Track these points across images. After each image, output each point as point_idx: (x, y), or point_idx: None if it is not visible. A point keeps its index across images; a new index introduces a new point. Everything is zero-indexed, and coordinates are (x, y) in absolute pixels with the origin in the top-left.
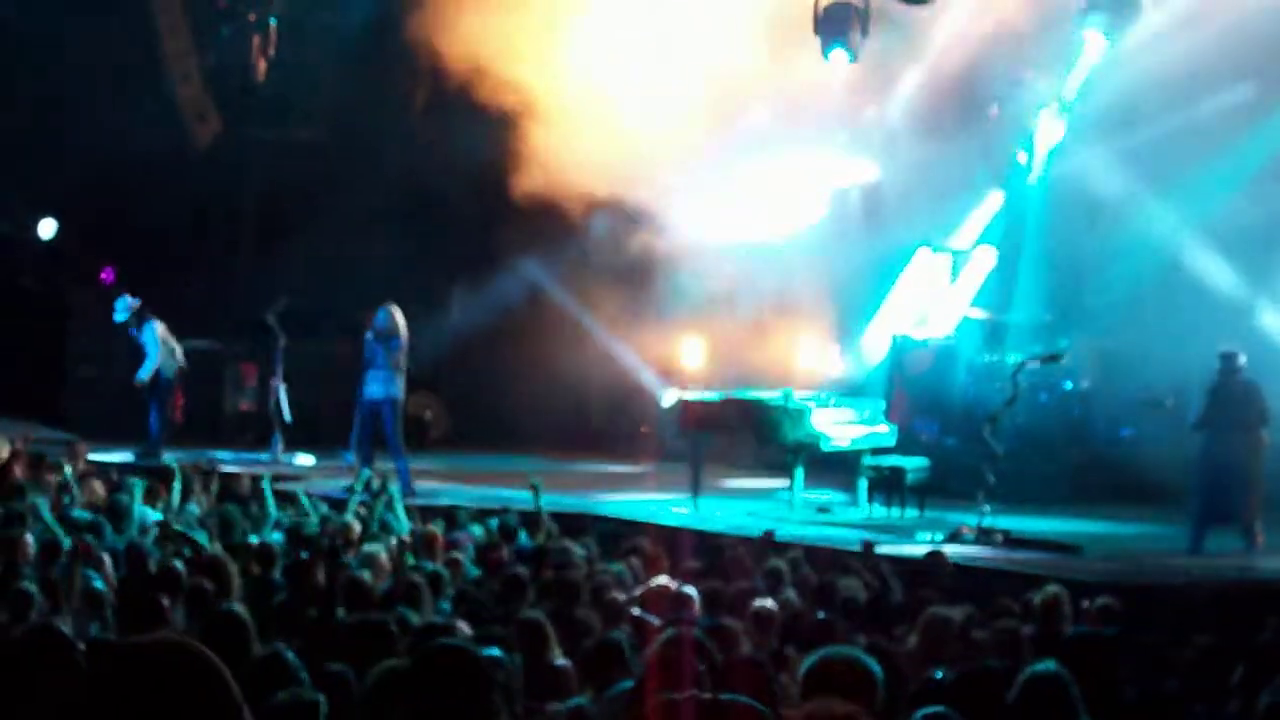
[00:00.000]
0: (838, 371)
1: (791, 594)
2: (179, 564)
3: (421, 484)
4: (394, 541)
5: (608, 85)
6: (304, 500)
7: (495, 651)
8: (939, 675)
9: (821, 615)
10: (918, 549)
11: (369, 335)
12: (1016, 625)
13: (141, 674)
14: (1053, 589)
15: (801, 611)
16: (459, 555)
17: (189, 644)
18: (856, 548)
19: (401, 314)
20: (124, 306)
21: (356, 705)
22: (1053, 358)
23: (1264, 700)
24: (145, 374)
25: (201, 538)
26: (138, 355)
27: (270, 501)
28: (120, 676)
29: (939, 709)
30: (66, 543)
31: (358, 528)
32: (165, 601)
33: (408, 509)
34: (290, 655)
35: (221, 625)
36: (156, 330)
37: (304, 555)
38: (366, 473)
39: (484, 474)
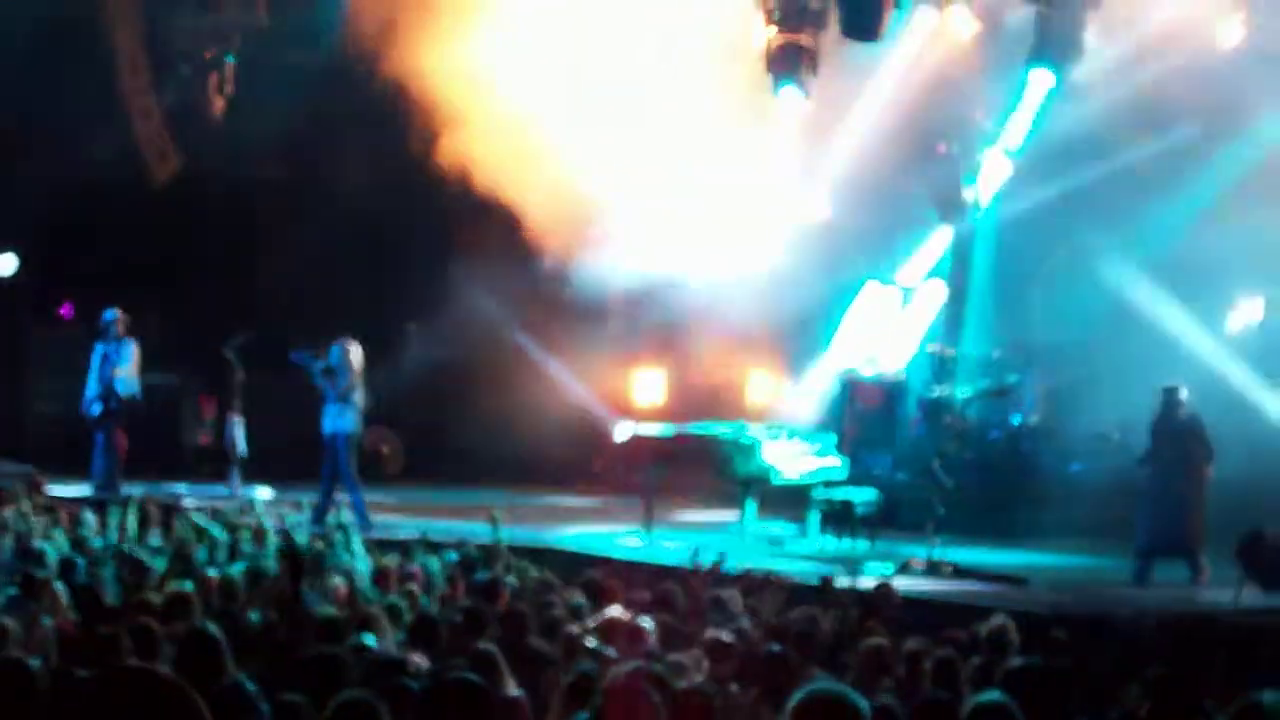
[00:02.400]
0: (789, 405)
1: (745, 624)
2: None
3: (378, 517)
4: (350, 574)
5: (561, 122)
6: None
7: (472, 676)
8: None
9: (776, 648)
10: (867, 581)
11: (321, 370)
12: (954, 655)
13: (109, 704)
14: (999, 620)
15: (755, 643)
16: (414, 587)
17: (156, 672)
18: (815, 582)
19: (358, 349)
20: (112, 316)
21: None
22: (1001, 392)
23: None
24: (130, 385)
25: (159, 567)
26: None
27: (214, 529)
28: (87, 708)
29: None
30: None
31: (310, 559)
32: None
33: (364, 542)
34: (249, 686)
35: (196, 645)
36: (134, 352)
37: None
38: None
39: (439, 507)
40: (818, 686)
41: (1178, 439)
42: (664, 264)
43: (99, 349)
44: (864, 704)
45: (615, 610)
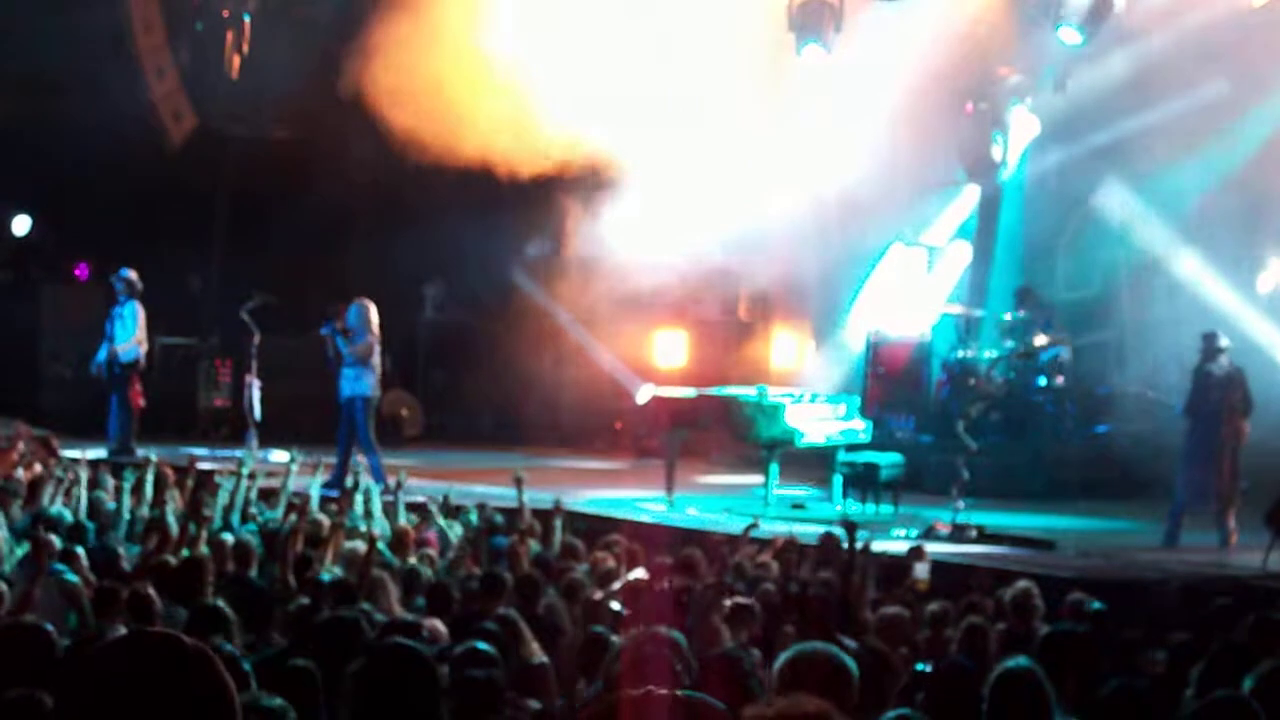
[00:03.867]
0: (813, 367)
1: (770, 588)
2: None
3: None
4: (367, 538)
5: (586, 79)
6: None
7: (484, 646)
8: (923, 668)
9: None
10: (896, 545)
11: (339, 332)
12: (983, 622)
13: (128, 668)
14: (1024, 584)
15: (778, 607)
16: (431, 552)
17: (176, 636)
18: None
19: (375, 310)
20: (124, 274)
21: (327, 702)
22: (1027, 354)
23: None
24: (129, 354)
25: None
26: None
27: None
28: (105, 672)
29: (905, 711)
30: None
31: (327, 524)
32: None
33: (383, 506)
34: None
35: (202, 620)
36: (139, 313)
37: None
38: (365, 476)
39: (459, 470)
40: (805, 646)
41: (1218, 388)
42: (687, 225)
43: (113, 310)
44: (852, 663)
45: (639, 573)
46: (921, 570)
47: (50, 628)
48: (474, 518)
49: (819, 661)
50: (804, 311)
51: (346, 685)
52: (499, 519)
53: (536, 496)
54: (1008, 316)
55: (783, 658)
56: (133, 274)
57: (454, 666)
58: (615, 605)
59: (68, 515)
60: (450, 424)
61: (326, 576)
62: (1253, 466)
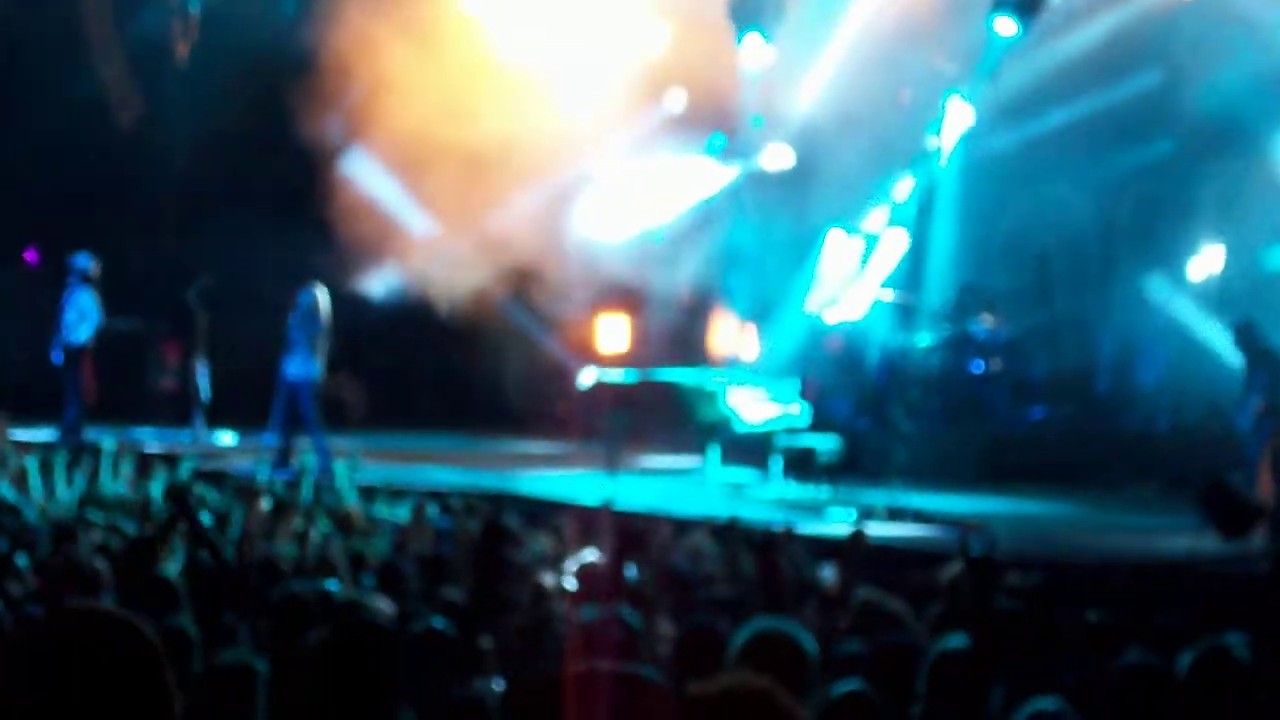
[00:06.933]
0: (752, 353)
1: (717, 570)
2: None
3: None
4: (318, 519)
5: (529, 73)
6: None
7: (439, 623)
8: (852, 648)
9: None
10: (835, 529)
11: (291, 316)
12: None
13: (63, 646)
14: (958, 566)
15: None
16: (378, 533)
17: (111, 612)
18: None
19: (326, 294)
20: (86, 260)
21: (277, 678)
22: (962, 341)
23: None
24: (85, 335)
25: (126, 522)
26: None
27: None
28: (43, 649)
29: (856, 684)
30: None
31: (266, 506)
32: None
33: (328, 488)
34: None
35: (151, 591)
36: (86, 299)
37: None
38: (310, 458)
39: (402, 454)
40: (763, 625)
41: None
42: (629, 212)
43: (69, 294)
44: (811, 643)
45: (590, 555)
46: (828, 574)
47: None
48: (418, 501)
49: (777, 640)
50: (744, 296)
51: (304, 658)
52: (446, 502)
53: (477, 479)
54: (944, 304)
55: (741, 635)
56: (87, 258)
57: (410, 645)
58: (565, 585)
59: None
60: (393, 408)
61: (282, 554)
62: (1183, 454)
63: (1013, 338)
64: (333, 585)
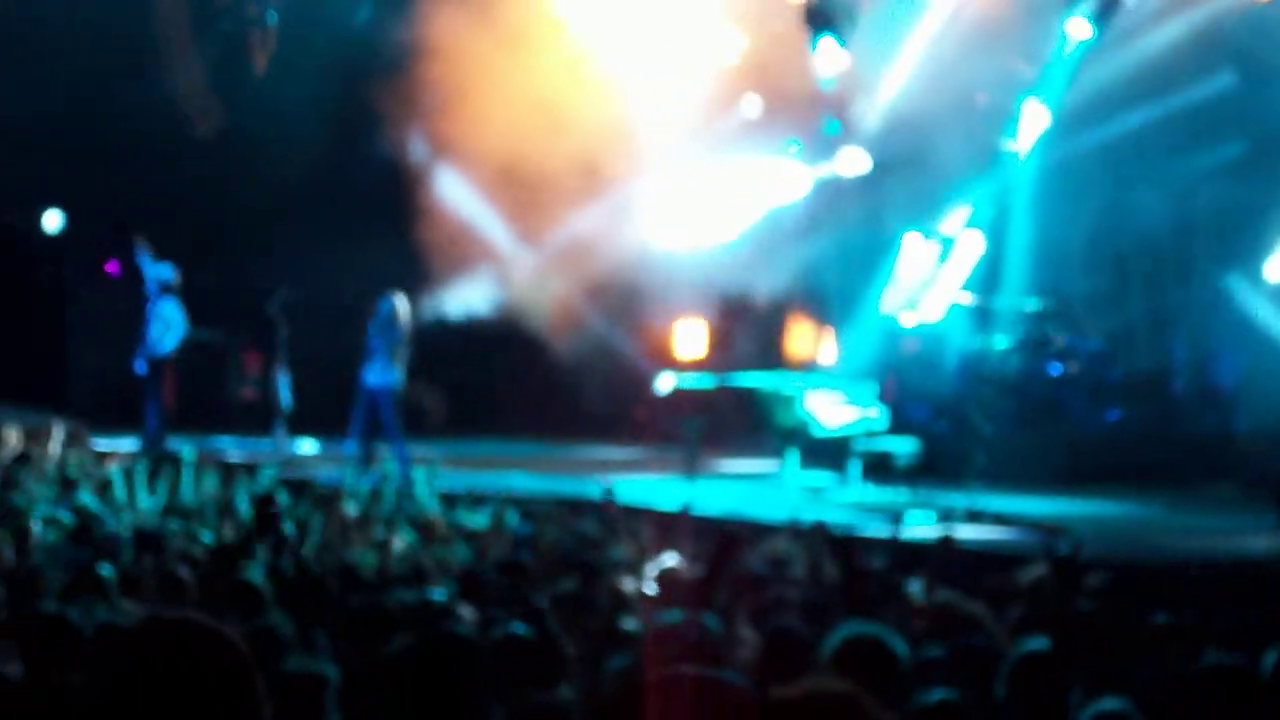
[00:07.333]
0: (831, 357)
1: (799, 574)
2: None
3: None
4: (406, 528)
5: (596, 77)
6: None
7: (520, 629)
8: (932, 651)
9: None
10: (920, 531)
11: (371, 324)
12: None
13: (150, 654)
14: (1038, 569)
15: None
16: (461, 540)
17: (198, 620)
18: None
19: (406, 302)
20: (169, 270)
21: (358, 687)
22: (1040, 343)
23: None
24: (170, 346)
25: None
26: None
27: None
28: (129, 658)
29: (946, 693)
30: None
31: (349, 513)
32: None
33: (409, 496)
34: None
35: (237, 596)
36: (172, 311)
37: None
38: (392, 466)
39: (484, 460)
40: (854, 629)
41: None
42: (706, 218)
43: (152, 303)
44: (902, 648)
45: (670, 560)
46: (915, 589)
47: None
48: (499, 508)
49: (869, 645)
50: (823, 301)
51: (387, 666)
52: (522, 508)
53: (555, 484)
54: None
55: (833, 639)
56: (170, 270)
57: (491, 651)
58: (645, 590)
59: (92, 502)
60: (473, 414)
61: (362, 562)
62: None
63: (1095, 346)
64: (434, 594)
